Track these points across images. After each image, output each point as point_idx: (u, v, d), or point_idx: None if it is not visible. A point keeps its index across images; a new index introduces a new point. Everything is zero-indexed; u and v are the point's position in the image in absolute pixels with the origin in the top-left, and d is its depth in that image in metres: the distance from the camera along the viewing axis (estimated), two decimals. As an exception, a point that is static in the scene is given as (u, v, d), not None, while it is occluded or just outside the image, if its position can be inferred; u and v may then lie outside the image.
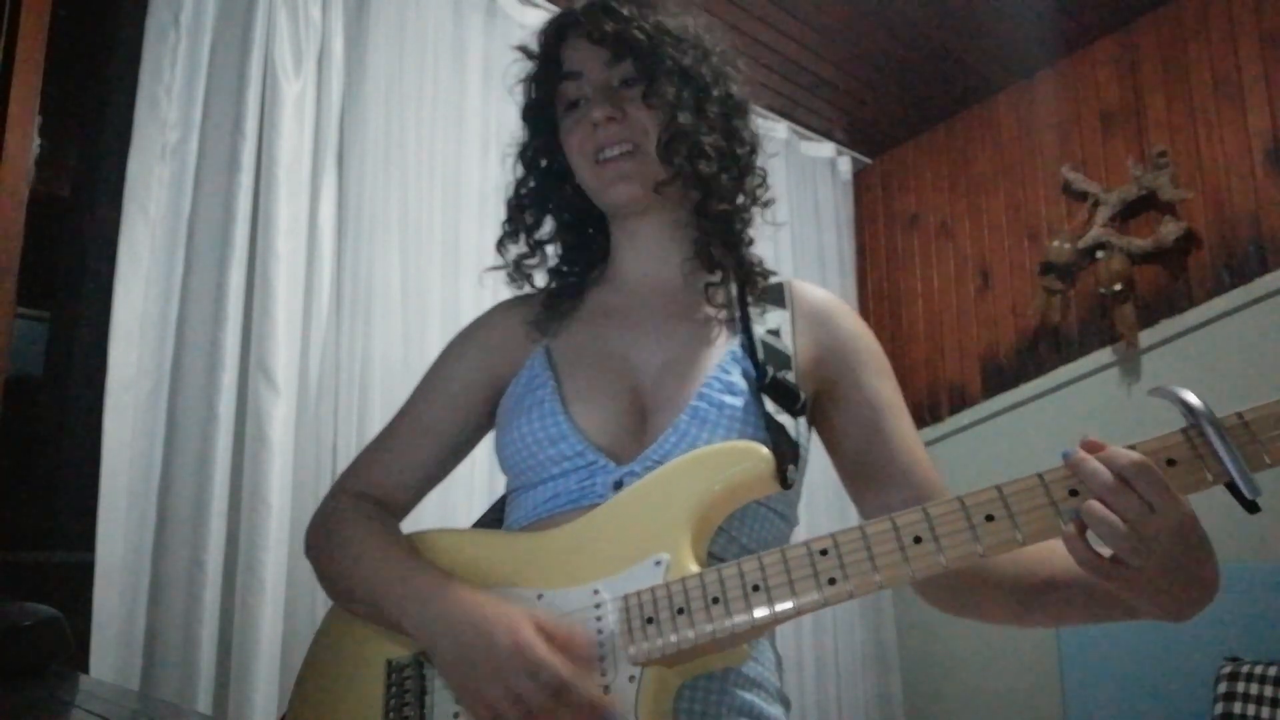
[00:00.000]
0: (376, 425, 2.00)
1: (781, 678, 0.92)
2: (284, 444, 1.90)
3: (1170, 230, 2.64)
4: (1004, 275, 3.16)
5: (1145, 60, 2.85)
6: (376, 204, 2.15)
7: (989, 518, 0.69)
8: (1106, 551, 0.67)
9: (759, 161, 1.02)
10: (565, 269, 1.07)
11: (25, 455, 2.00)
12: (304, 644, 1.93)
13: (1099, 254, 2.79)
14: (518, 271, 1.06)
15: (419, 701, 0.81)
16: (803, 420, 0.90)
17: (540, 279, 1.07)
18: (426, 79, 2.32)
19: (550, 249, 1.07)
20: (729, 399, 0.87)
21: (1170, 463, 0.67)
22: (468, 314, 2.27)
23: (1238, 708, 2.12)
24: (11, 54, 1.63)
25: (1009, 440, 2.98)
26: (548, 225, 1.06)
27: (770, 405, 0.87)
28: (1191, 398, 0.67)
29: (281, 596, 1.84)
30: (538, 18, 2.52)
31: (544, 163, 1.05)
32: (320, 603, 1.89)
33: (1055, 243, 2.88)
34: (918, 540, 0.70)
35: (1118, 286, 2.72)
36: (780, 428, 0.85)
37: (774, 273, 1.03)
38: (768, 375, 0.88)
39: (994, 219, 3.22)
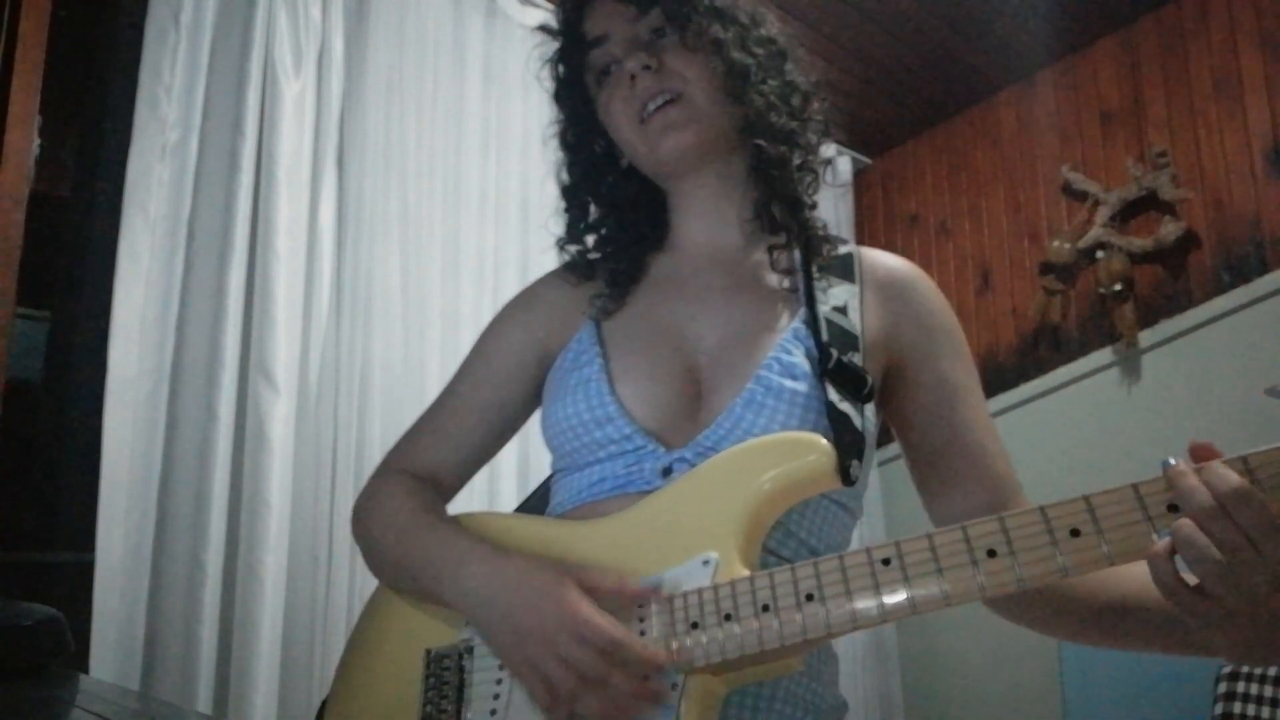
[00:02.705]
0: (376, 425, 2.01)
1: (835, 680, 0.86)
2: (284, 444, 1.90)
3: (1170, 230, 2.64)
4: (1004, 275, 3.16)
5: (1145, 60, 2.85)
6: (376, 204, 2.15)
7: (1074, 532, 0.62)
8: (1192, 579, 0.60)
9: (817, 111, 0.96)
10: (622, 245, 1.00)
11: (25, 455, 1.99)
12: (304, 644, 1.95)
13: (1099, 254, 2.78)
14: (575, 262, 1.01)
15: (457, 693, 0.78)
16: (869, 408, 0.84)
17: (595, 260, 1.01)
18: (426, 79, 2.32)
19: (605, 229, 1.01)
20: (789, 383, 0.81)
21: None
22: (468, 314, 2.27)
23: (1238, 708, 2.12)
24: (11, 54, 1.63)
25: (1009, 440, 2.95)
26: (595, 211, 1.00)
27: (834, 392, 0.80)
28: None
29: (281, 596, 1.84)
30: (538, 18, 2.52)
31: (584, 145, 0.99)
32: (320, 603, 1.89)
33: (1055, 243, 2.88)
34: (991, 554, 0.63)
35: (1118, 286, 2.72)
36: (844, 417, 0.79)
37: (843, 240, 0.96)
38: (832, 358, 0.81)
39: (994, 219, 3.22)
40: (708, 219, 0.96)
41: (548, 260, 1.07)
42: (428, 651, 0.82)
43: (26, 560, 1.86)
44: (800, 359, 0.83)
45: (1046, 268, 2.90)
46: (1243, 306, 2.53)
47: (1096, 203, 2.83)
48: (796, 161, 0.93)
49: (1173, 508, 0.60)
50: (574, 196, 1.01)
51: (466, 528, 0.86)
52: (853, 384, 0.82)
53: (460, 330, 2.21)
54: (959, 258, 3.31)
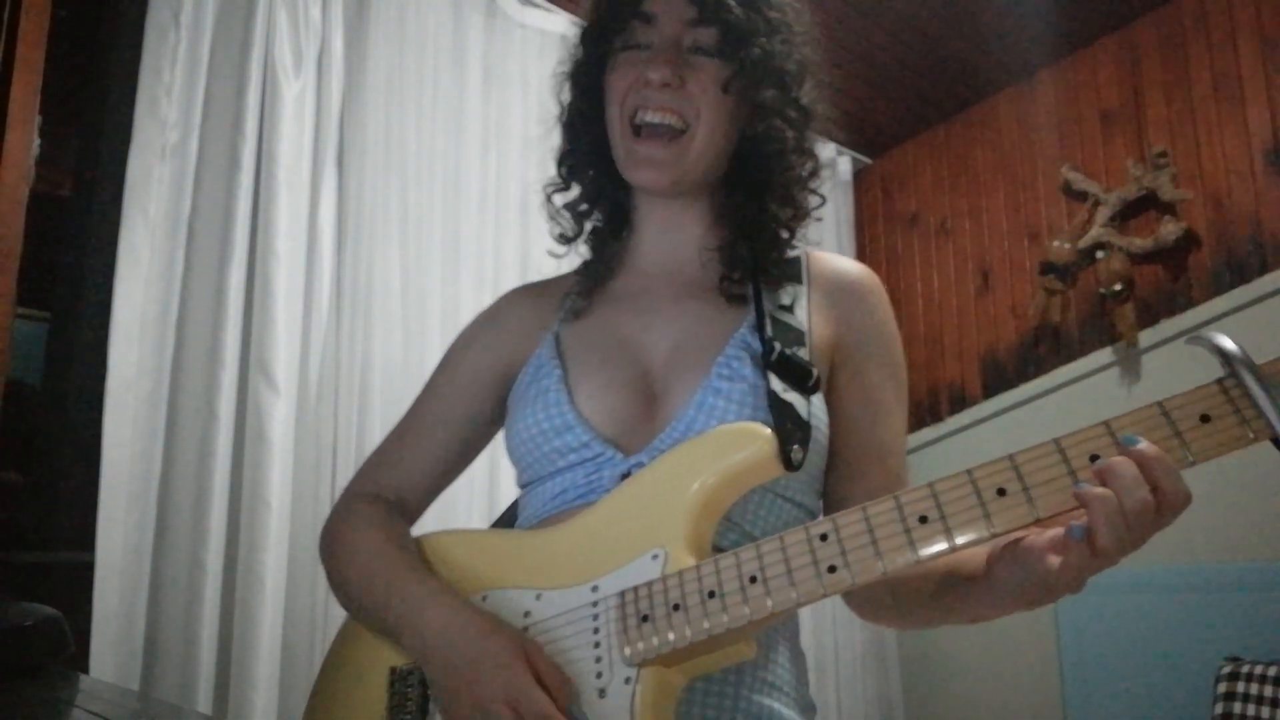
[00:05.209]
0: (376, 425, 2.01)
1: (805, 680, 0.87)
2: (284, 444, 1.90)
3: (1170, 230, 2.64)
4: (1004, 275, 3.16)
5: (1145, 60, 2.85)
6: (376, 204, 2.15)
7: (1001, 492, 0.63)
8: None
9: (817, 183, 0.96)
10: (595, 234, 1.00)
11: (25, 455, 1.99)
12: (304, 644, 1.95)
13: (1099, 254, 2.79)
14: (562, 198, 1.00)
15: (421, 709, 0.79)
16: (817, 399, 0.85)
17: (569, 220, 1.01)
18: (426, 79, 2.32)
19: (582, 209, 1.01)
20: (737, 385, 0.82)
21: (1204, 419, 0.60)
22: (468, 314, 2.25)
23: (1238, 708, 2.12)
24: (11, 54, 1.63)
25: (1009, 440, 2.94)
26: (584, 158, 0.99)
27: (777, 383, 0.82)
28: (1227, 343, 0.60)
29: (281, 596, 1.84)
30: (538, 18, 2.53)
31: (588, 94, 0.97)
32: (320, 603, 1.89)
33: (1055, 243, 2.88)
34: (923, 520, 0.63)
35: (1118, 286, 2.72)
36: (787, 406, 0.80)
37: (792, 246, 0.97)
38: (774, 351, 0.83)
39: (994, 219, 3.22)
40: (667, 236, 0.97)
41: (547, 260, 1.07)
42: (392, 669, 0.83)
43: (26, 560, 1.86)
44: (747, 358, 0.84)
45: (1046, 268, 2.90)
46: (1243, 306, 2.53)
47: (1096, 203, 2.83)
48: (787, 218, 0.94)
49: (1094, 458, 0.62)
50: (571, 130, 1.00)
51: (428, 551, 0.88)
52: (797, 375, 0.83)
53: (460, 330, 2.21)
54: (959, 258, 3.31)
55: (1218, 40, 2.69)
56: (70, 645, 0.99)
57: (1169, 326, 2.67)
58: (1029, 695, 2.83)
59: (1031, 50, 2.99)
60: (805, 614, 2.87)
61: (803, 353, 0.85)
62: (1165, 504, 0.60)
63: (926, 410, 3.29)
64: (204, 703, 1.70)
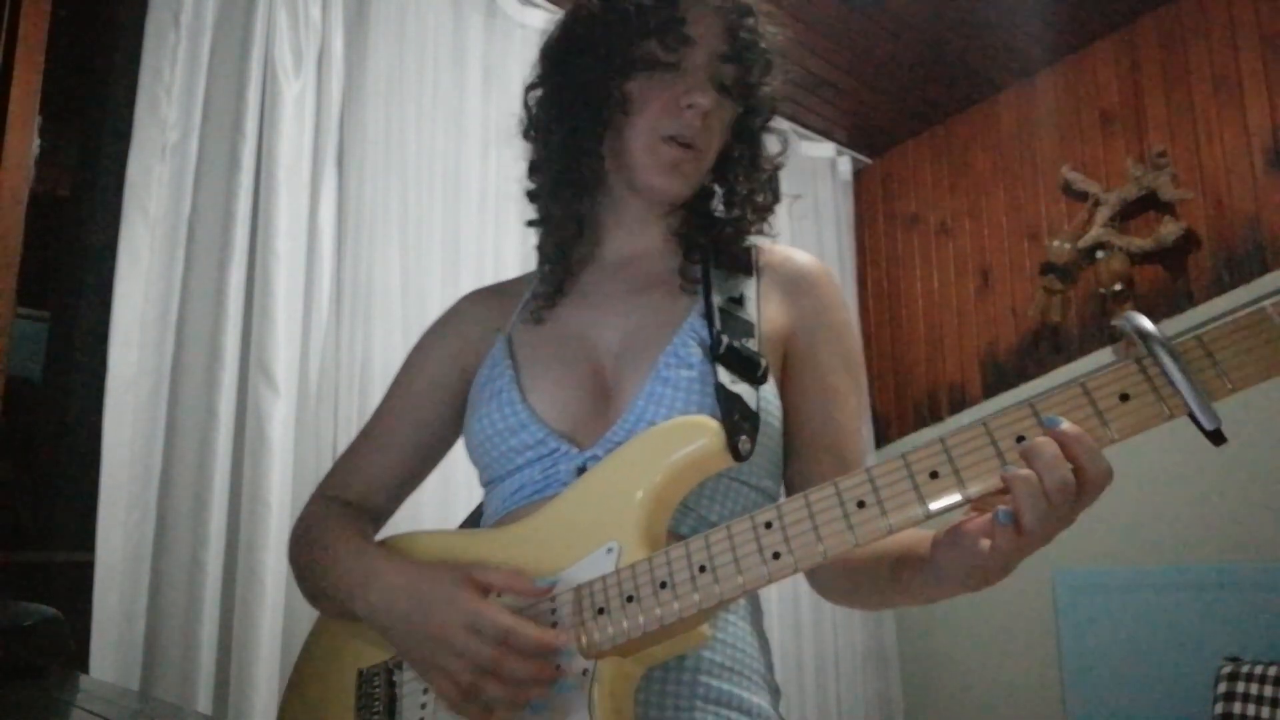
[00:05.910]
0: (376, 425, 2.01)
1: (769, 663, 0.88)
2: (284, 444, 1.90)
3: (1170, 230, 2.64)
4: (1004, 275, 3.16)
5: (1145, 60, 2.85)
6: (376, 204, 2.16)
7: (933, 475, 0.64)
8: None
9: (777, 184, 1.01)
10: (552, 232, 0.99)
11: (25, 455, 2.00)
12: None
13: (1099, 254, 2.79)
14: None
15: (388, 710, 0.81)
16: (768, 388, 0.87)
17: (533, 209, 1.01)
18: (426, 79, 2.33)
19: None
20: (685, 372, 0.84)
21: (1124, 397, 0.62)
22: (468, 314, 2.28)
23: (1238, 708, 2.12)
24: (11, 54, 1.63)
25: (1009, 440, 2.97)
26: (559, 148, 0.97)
27: (725, 375, 0.83)
28: (1144, 322, 0.63)
29: (281, 596, 1.84)
30: (538, 18, 2.52)
31: (587, 90, 0.95)
32: (320, 603, 1.90)
33: (1055, 243, 2.88)
34: (861, 505, 0.65)
35: (1118, 286, 2.72)
36: (735, 397, 0.82)
37: (746, 238, 1.00)
38: (722, 344, 0.85)
39: (994, 219, 3.22)
40: (629, 234, 0.99)
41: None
42: (360, 672, 0.85)
43: (26, 560, 1.86)
44: (695, 349, 0.86)
45: (1046, 268, 2.90)
46: (1243, 306, 2.52)
47: (1096, 203, 2.83)
48: (749, 216, 0.98)
49: (1020, 439, 0.63)
50: (559, 121, 0.98)
51: (389, 548, 0.89)
52: (745, 366, 0.85)
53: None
54: (959, 258, 3.31)
55: (1218, 40, 2.69)
56: (70, 645, 0.99)
57: (1169, 326, 2.64)
58: (1029, 695, 2.83)
59: (1031, 50, 2.99)
60: (805, 614, 2.87)
61: (751, 343, 0.87)
62: (1086, 482, 0.61)
63: (926, 410, 3.29)
64: (204, 703, 1.70)
